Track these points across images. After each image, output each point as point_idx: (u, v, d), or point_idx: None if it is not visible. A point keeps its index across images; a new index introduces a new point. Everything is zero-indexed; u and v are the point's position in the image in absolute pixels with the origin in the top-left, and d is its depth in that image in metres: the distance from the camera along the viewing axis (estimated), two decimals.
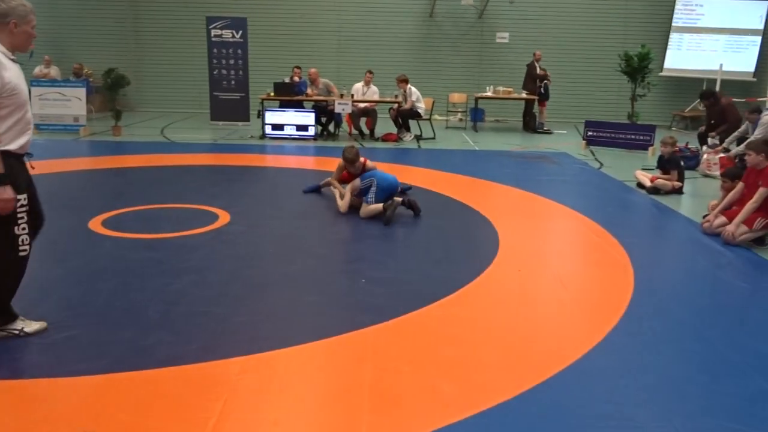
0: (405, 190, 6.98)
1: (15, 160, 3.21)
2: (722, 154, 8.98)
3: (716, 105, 10.32)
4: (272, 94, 12.03)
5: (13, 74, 3.16)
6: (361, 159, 6.51)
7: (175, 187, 7.37)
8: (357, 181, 6.33)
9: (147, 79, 16.24)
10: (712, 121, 10.23)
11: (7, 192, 3.12)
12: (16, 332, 3.47)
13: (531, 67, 13.74)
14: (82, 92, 11.71)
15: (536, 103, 13.77)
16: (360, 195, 6.29)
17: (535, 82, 13.63)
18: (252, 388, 2.97)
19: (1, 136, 3.11)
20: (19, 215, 3.26)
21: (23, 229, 3.31)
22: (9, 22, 3.18)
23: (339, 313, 3.89)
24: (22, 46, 3.28)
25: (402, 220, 6.20)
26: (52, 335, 3.46)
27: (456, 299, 4.18)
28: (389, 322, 3.76)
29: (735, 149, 8.82)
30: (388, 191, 6.27)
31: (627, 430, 2.74)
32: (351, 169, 6.48)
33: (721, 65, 11.51)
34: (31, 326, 3.51)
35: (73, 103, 11.65)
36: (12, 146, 3.17)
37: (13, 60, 3.22)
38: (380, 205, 6.04)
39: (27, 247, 3.35)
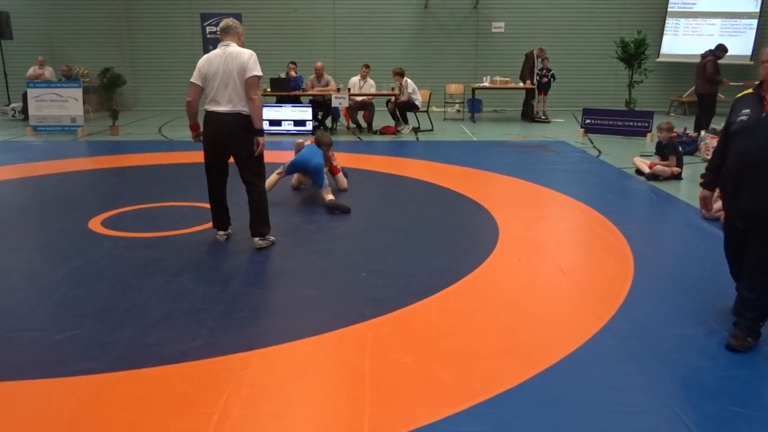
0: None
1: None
2: None
3: None
4: (269, 89, 12.00)
5: None
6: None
7: (174, 185, 7.37)
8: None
9: (143, 78, 16.22)
10: None
11: (264, 138, 4.92)
12: (273, 240, 5.12)
13: (530, 59, 13.65)
14: (78, 92, 11.68)
15: (536, 92, 13.75)
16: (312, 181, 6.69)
17: (532, 73, 13.58)
18: (254, 383, 2.99)
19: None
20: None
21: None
22: (238, 32, 4.91)
23: (339, 307, 3.90)
24: None
25: (401, 212, 6.20)
26: (54, 335, 3.48)
27: (456, 290, 4.18)
28: (389, 315, 3.77)
29: None
30: (299, 167, 6.61)
31: (629, 415, 2.75)
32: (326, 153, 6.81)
33: None
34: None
35: (70, 103, 11.63)
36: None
37: None
38: (273, 177, 6.47)
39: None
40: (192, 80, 4.87)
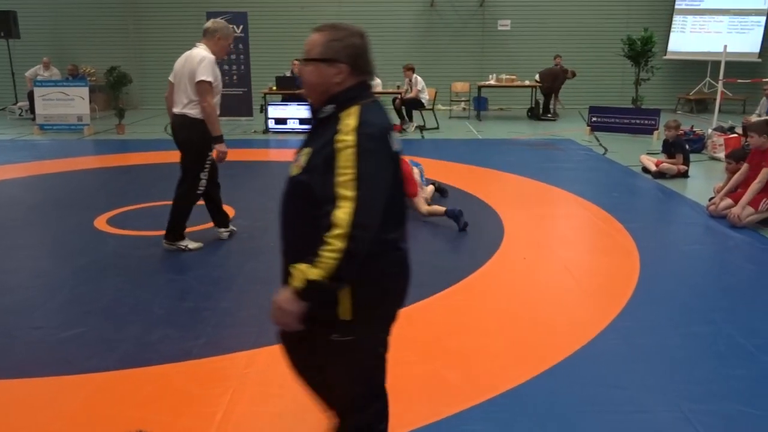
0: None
1: None
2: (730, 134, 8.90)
3: None
4: (274, 88, 12.01)
5: (218, 71, 4.69)
6: None
7: None
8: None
9: (149, 77, 16.23)
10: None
11: (224, 146, 4.75)
12: (183, 247, 4.87)
13: (560, 74, 13.61)
14: (85, 91, 11.70)
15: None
16: None
17: (554, 81, 13.56)
18: (258, 382, 2.99)
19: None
20: (206, 164, 4.81)
21: (205, 175, 4.83)
22: (216, 36, 4.74)
23: None
24: (220, 54, 4.78)
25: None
26: (60, 333, 3.49)
27: (461, 289, 4.17)
28: None
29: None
30: None
31: (635, 415, 2.73)
32: None
33: (725, 47, 11.40)
34: (192, 244, 4.92)
35: (77, 102, 11.66)
36: None
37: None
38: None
39: (203, 188, 4.87)
40: (169, 78, 4.88)
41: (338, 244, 1.68)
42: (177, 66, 4.80)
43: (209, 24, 4.86)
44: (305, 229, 1.80)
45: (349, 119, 1.78)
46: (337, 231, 1.68)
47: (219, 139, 4.71)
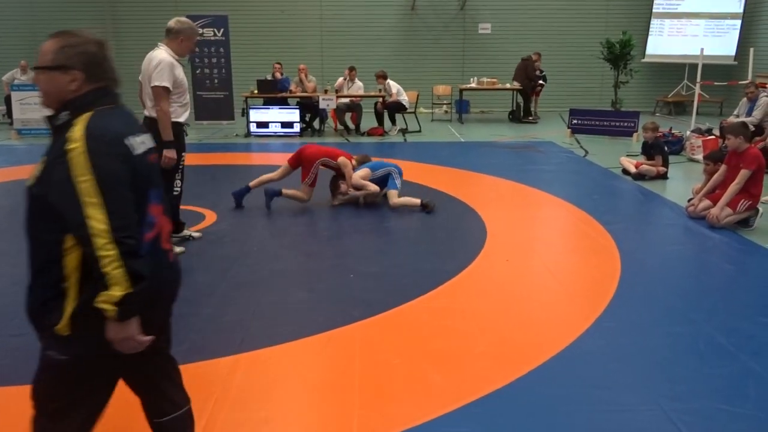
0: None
1: (180, 128, 4.80)
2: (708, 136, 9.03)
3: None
4: (256, 91, 11.97)
5: (181, 72, 4.66)
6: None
7: None
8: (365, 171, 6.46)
9: (128, 80, 15.90)
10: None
11: (173, 153, 4.65)
12: (188, 236, 5.16)
13: (529, 63, 13.67)
14: None
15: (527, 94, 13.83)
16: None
17: (528, 78, 13.62)
18: (242, 387, 2.97)
19: (175, 111, 4.67)
20: (179, 167, 4.80)
21: (179, 175, 4.86)
22: (179, 38, 4.64)
23: (328, 309, 3.89)
24: (183, 54, 4.74)
25: (390, 213, 6.19)
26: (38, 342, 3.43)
27: (444, 291, 4.19)
28: (378, 316, 3.76)
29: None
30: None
31: (617, 414, 2.76)
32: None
33: (702, 50, 11.57)
34: (195, 234, 5.26)
35: None
36: (180, 119, 4.77)
37: (179, 62, 4.67)
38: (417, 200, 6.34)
39: (179, 189, 4.91)
40: (139, 78, 4.80)
41: (109, 252, 1.61)
42: (143, 66, 4.71)
43: (172, 24, 4.68)
44: (45, 241, 1.72)
45: (79, 125, 1.73)
46: (100, 242, 1.61)
47: (168, 144, 4.62)
